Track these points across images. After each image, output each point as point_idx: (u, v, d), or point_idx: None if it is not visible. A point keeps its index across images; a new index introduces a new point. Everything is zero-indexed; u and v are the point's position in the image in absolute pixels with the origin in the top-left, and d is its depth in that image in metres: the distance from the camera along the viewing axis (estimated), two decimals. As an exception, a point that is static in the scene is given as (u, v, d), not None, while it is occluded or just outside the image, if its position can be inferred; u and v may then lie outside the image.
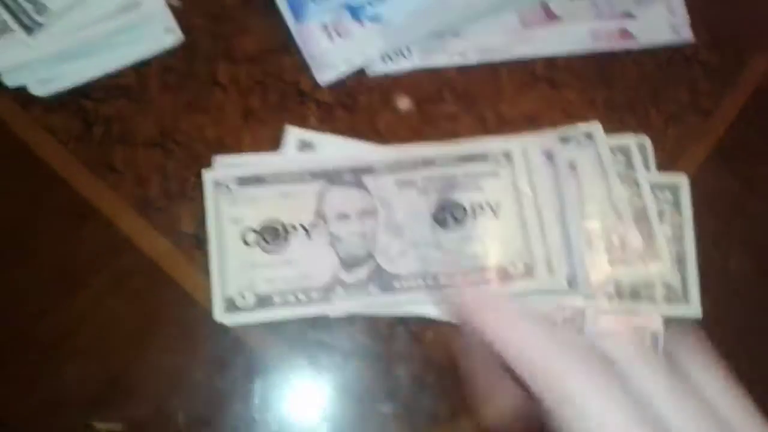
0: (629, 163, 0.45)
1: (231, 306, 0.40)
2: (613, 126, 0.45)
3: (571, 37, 0.48)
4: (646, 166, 0.45)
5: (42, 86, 0.42)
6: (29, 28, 0.40)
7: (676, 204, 0.44)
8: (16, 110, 0.41)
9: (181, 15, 0.44)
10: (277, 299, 0.40)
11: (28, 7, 0.40)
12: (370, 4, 0.43)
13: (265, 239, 0.41)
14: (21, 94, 0.41)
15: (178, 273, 0.40)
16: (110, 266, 0.40)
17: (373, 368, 0.40)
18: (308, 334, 0.40)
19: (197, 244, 0.41)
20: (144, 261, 0.40)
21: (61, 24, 0.41)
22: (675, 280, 0.43)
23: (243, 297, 0.40)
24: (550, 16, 0.48)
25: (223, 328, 0.39)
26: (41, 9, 0.40)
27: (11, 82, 0.41)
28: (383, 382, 0.40)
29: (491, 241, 0.42)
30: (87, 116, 0.42)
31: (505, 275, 0.41)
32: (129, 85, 0.43)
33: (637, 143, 0.45)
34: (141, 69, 0.43)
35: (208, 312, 0.39)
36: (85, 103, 0.42)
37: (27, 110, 0.41)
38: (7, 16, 0.40)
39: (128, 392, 0.38)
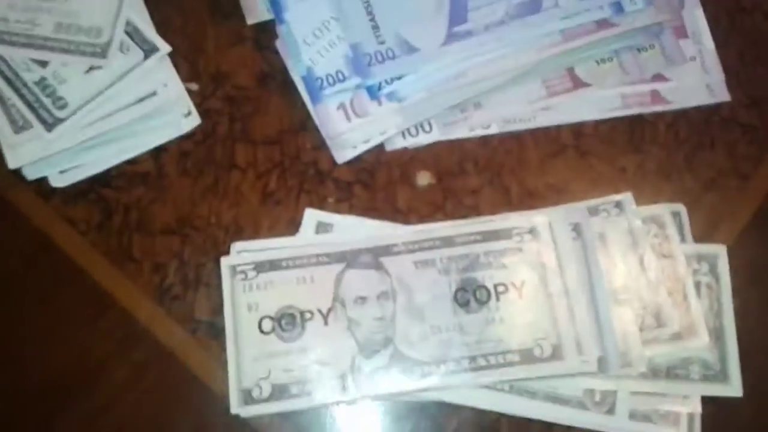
0: (663, 234, 0.44)
1: (248, 398, 0.40)
2: (645, 195, 0.45)
3: (599, 102, 0.48)
4: (682, 237, 0.44)
5: (61, 177, 0.44)
6: (49, 123, 0.42)
7: (714, 276, 0.43)
8: (36, 202, 0.44)
9: (198, 98, 0.46)
10: (294, 389, 0.40)
11: (48, 102, 0.43)
12: (386, 82, 0.44)
13: (281, 327, 0.41)
14: (41, 186, 0.44)
15: (195, 363, 0.41)
16: (128, 358, 0.41)
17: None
18: (327, 423, 0.41)
19: (213, 333, 0.42)
20: (161, 351, 0.42)
21: (80, 117, 0.43)
22: (713, 358, 0.41)
23: (260, 388, 0.40)
24: (577, 82, 0.47)
25: (239, 420, 0.40)
26: (61, 103, 0.43)
27: (31, 174, 0.44)
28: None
29: (516, 323, 0.41)
30: (106, 205, 0.44)
31: (531, 358, 0.40)
32: (147, 171, 0.45)
33: (671, 212, 0.44)
34: (159, 155, 0.45)
35: (225, 402, 0.40)
36: (104, 192, 0.44)
37: (47, 201, 0.44)
38: (27, 112, 0.42)
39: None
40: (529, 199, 0.46)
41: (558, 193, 0.46)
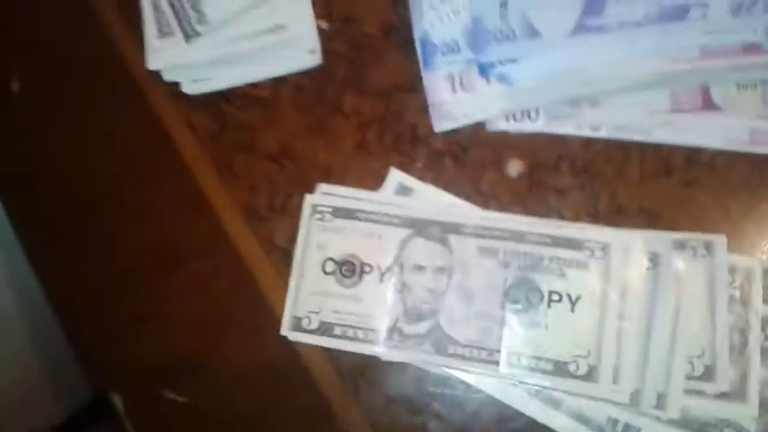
0: (746, 289, 0.40)
1: (297, 325, 0.44)
2: (741, 244, 0.42)
3: (725, 131, 0.43)
4: (766, 298, 0.40)
5: (193, 86, 0.48)
6: (189, 35, 0.46)
7: (787, 350, 0.39)
8: (167, 101, 0.49)
9: (325, 38, 0.47)
10: (338, 330, 0.43)
11: (193, 16, 0.46)
12: (500, 62, 0.43)
13: (341, 272, 0.44)
14: (174, 89, 0.48)
15: (264, 280, 0.45)
16: (209, 258, 0.46)
17: (409, 418, 0.43)
18: (359, 369, 0.44)
19: (286, 258, 0.45)
20: (238, 262, 0.46)
21: (216, 35, 0.47)
22: (755, 430, 0.39)
23: (309, 319, 0.44)
24: (708, 103, 0.43)
25: (286, 342, 0.44)
26: (202, 19, 0.46)
27: (168, 77, 0.48)
28: (410, 427, 0.43)
29: (560, 333, 0.41)
30: (224, 119, 0.48)
31: (564, 372, 0.40)
32: (264, 97, 0.48)
33: (764, 269, 0.41)
34: (278, 84, 0.48)
35: (278, 323, 0.44)
36: (224, 107, 0.48)
37: (176, 104, 0.49)
38: (173, 22, 0.46)
39: (196, 373, 0.45)
40: (616, 215, 0.44)
41: (649, 216, 0.43)
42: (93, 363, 0.47)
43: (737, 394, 0.40)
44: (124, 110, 0.50)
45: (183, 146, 0.48)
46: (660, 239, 0.42)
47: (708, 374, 0.40)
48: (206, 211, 0.47)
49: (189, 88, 0.49)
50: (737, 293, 0.41)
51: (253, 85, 0.48)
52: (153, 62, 0.47)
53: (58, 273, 0.49)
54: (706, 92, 0.44)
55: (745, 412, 0.40)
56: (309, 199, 0.46)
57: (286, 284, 0.45)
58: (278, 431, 0.43)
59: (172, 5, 0.47)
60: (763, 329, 0.41)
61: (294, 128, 0.48)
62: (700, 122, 0.44)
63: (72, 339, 0.47)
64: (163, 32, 0.47)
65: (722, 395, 0.40)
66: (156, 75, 0.49)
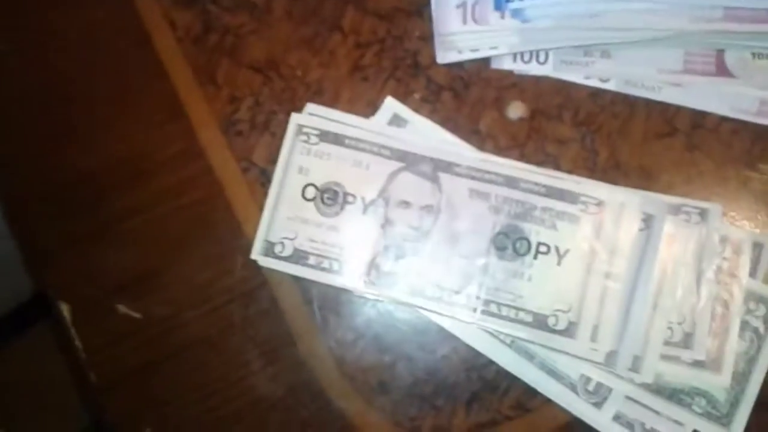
0: (735, 260, 0.40)
1: (269, 250, 0.41)
2: (737, 215, 0.41)
3: (735, 99, 0.42)
4: (753, 272, 0.40)
5: (177, -20, 0.44)
6: None
7: (767, 323, 0.39)
8: (149, -2, 0.44)
9: (329, -54, 0.44)
10: (312, 260, 0.41)
11: None
12: (517, -5, 0.40)
13: (323, 199, 0.41)
14: (157, -19, 0.44)
15: (237, 200, 0.42)
16: (179, 170, 0.42)
17: (378, 356, 0.41)
18: (330, 302, 0.41)
19: (262, 179, 0.42)
20: (211, 177, 0.43)
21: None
22: (725, 400, 0.39)
23: (282, 245, 0.41)
24: (721, 68, 0.42)
25: (255, 266, 0.41)
26: None
27: (151, -33, 0.43)
28: (383, 372, 0.41)
29: (543, 286, 0.40)
30: (209, 20, 0.44)
31: (543, 325, 0.39)
32: (255, 1, 0.43)
33: (754, 242, 0.40)
34: (270, -11, 0.44)
35: (249, 245, 0.41)
36: (210, 7, 0.44)
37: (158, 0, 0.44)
38: None
39: (154, 290, 0.42)
40: (614, 172, 0.42)
41: (647, 177, 0.42)
42: (44, 269, 0.43)
43: (712, 363, 0.40)
44: (103, 3, 0.45)
45: (161, 47, 0.44)
46: (656, 202, 0.41)
47: (686, 342, 0.40)
48: (181, 120, 0.43)
49: (173, -18, 0.45)
50: (725, 264, 0.40)
51: (245, -12, 0.45)
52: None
53: (16, 170, 0.44)
54: (720, 57, 0.42)
55: (718, 382, 0.39)
56: (295, 118, 0.43)
57: (260, 206, 0.42)
58: (236, 357, 0.41)
59: None
60: (745, 302, 0.40)
61: (286, 39, 0.44)
62: (711, 87, 0.43)
63: (23, 242, 0.44)
64: None
65: (697, 363, 0.39)
66: (137, -37, 0.44)
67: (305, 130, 0.42)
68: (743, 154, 0.42)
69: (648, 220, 0.40)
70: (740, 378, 0.40)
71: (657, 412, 0.39)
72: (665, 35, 0.41)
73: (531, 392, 0.40)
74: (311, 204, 0.42)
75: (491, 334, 0.41)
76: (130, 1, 0.44)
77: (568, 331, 0.40)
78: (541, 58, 0.43)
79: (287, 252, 0.42)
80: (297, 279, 0.42)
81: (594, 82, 0.43)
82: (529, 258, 0.41)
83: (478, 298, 0.40)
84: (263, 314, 0.42)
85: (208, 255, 0.42)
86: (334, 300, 0.42)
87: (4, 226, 0.44)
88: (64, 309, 0.42)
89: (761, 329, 0.40)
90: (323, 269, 0.41)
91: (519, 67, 0.43)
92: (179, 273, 0.42)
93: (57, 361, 0.69)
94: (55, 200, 0.43)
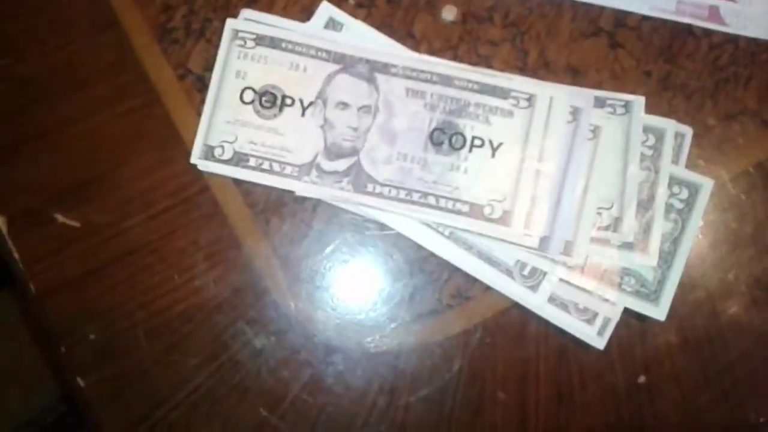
0: (658, 149, 0.41)
1: (209, 153, 0.41)
2: (658, 106, 0.42)
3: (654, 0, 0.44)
4: (676, 158, 0.41)
5: None
6: None
7: (690, 204, 0.41)
8: None
9: None
10: (252, 161, 0.41)
11: None
12: None
13: (261, 102, 0.41)
14: None
15: (174, 107, 0.42)
16: (115, 78, 0.41)
17: (319, 257, 0.41)
18: (272, 204, 0.41)
19: (199, 85, 0.42)
20: (147, 85, 0.42)
21: None
22: (653, 278, 0.40)
23: (222, 148, 0.41)
24: (640, -31, 0.43)
25: (196, 171, 0.41)
26: None
27: None
28: (324, 274, 0.41)
29: (478, 178, 0.40)
30: (139, -70, 0.43)
31: (478, 214, 0.40)
32: None
33: (676, 131, 0.42)
34: None
35: (188, 151, 0.41)
36: None
37: None
38: None
39: (93, 198, 0.41)
40: (544, 71, 0.43)
41: (574, 74, 0.43)
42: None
43: (640, 245, 0.41)
44: None
45: (91, -45, 0.43)
46: (583, 95, 0.42)
47: (615, 225, 0.41)
48: (115, 28, 0.42)
49: None
50: (649, 152, 0.42)
51: None
52: None
53: None
54: (639, -42, 0.44)
55: (646, 262, 0.41)
56: (230, 24, 0.42)
57: (197, 113, 0.41)
58: (180, 261, 0.40)
59: None
60: (669, 187, 0.42)
61: (218, -51, 0.44)
62: (631, -13, 0.45)
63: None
64: None
65: (626, 245, 0.41)
66: None
67: (241, 34, 0.42)
68: (663, 50, 0.43)
69: (576, 113, 0.42)
70: (666, 257, 0.41)
71: (589, 292, 0.41)
72: (587, -63, 0.43)
73: (470, 281, 0.41)
74: (250, 107, 0.42)
75: (430, 227, 0.41)
76: None
77: (503, 220, 0.41)
78: (471, -37, 0.44)
79: (227, 155, 0.41)
80: (239, 182, 0.41)
81: (522, -13, 0.45)
82: (464, 152, 0.41)
83: (417, 191, 0.41)
84: (206, 218, 0.41)
85: (148, 162, 0.41)
86: (277, 201, 0.41)
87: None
88: (0, 221, 0.41)
89: (685, 211, 0.42)
90: (264, 171, 0.41)
91: (450, -27, 0.44)
92: (118, 180, 0.41)
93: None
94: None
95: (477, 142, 0.41)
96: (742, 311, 0.42)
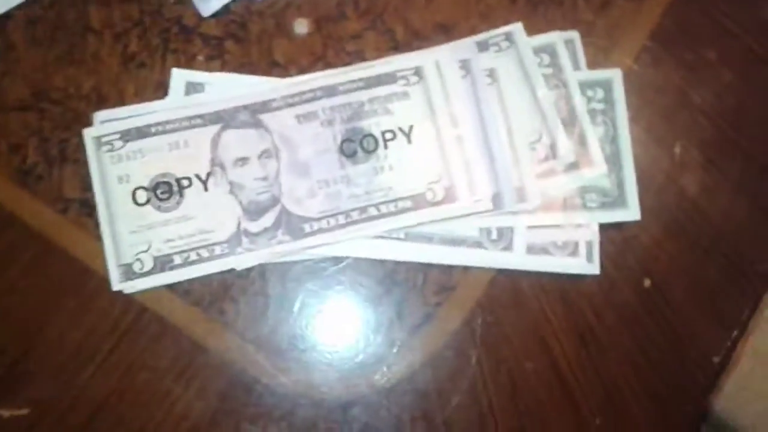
0: (556, 64, 0.40)
1: (129, 273, 0.36)
2: (536, 25, 0.41)
3: (483, -72, 0.42)
4: (575, 65, 0.40)
5: None
6: None
7: (609, 101, 0.40)
8: None
9: (39, -43, 0.39)
10: (177, 259, 0.37)
11: None
12: None
13: (157, 196, 0.37)
14: None
15: (69, 243, 0.37)
16: (-6, 245, 0.37)
17: (291, 319, 0.37)
18: (217, 292, 0.37)
19: (86, 210, 0.37)
20: (31, 234, 0.37)
21: None
22: (611, 184, 0.39)
23: (141, 261, 0.36)
24: None
25: (124, 296, 0.36)
26: None
27: None
28: (304, 333, 0.37)
29: (406, 169, 0.38)
30: (-51, 84, 0.38)
31: (423, 203, 0.37)
32: (-9, 44, 0.39)
33: (563, 40, 0.40)
34: (4, 24, 0.39)
35: (106, 281, 0.36)
36: (-57, 71, 0.38)
37: None
38: None
39: (31, 374, 0.36)
40: (416, 41, 0.41)
41: (446, 32, 0.41)
42: None
43: (583, 159, 0.39)
44: None
45: None
46: (464, 46, 0.40)
47: (552, 152, 0.39)
48: (-31, 195, 0.38)
49: None
50: (549, 70, 0.40)
51: (-28, 34, 0.39)
52: None
53: None
54: None
55: (596, 172, 0.39)
56: (88, 133, 0.37)
57: (96, 237, 0.37)
58: (153, 393, 0.36)
59: None
60: (583, 93, 0.40)
61: (41, 66, 0.38)
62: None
63: None
64: None
65: (571, 166, 0.39)
66: None
67: (105, 139, 0.37)
68: (515, -29, 0.43)
69: (466, 66, 0.40)
70: (613, 159, 0.39)
71: (561, 226, 0.39)
72: None
73: (446, 271, 0.38)
74: (148, 207, 0.37)
75: (383, 237, 0.38)
76: None
77: (449, 197, 0.38)
78: (299, -30, 0.42)
79: (148, 266, 0.37)
80: (172, 287, 0.37)
81: (358, -29, 0.42)
82: (381, 150, 0.38)
83: (354, 209, 0.37)
84: (157, 338, 0.37)
85: (69, 311, 0.36)
86: (221, 286, 0.37)
87: None
88: (-60, 448, 0.35)
89: (608, 109, 0.40)
90: (193, 262, 0.37)
91: (283, -12, 0.41)
92: (48, 345, 0.36)
93: None
94: None
95: (388, 135, 0.38)
96: (704, 174, 0.41)
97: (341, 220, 0.38)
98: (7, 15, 0.39)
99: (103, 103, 0.38)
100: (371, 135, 0.38)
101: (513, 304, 0.39)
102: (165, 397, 0.36)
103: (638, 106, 0.41)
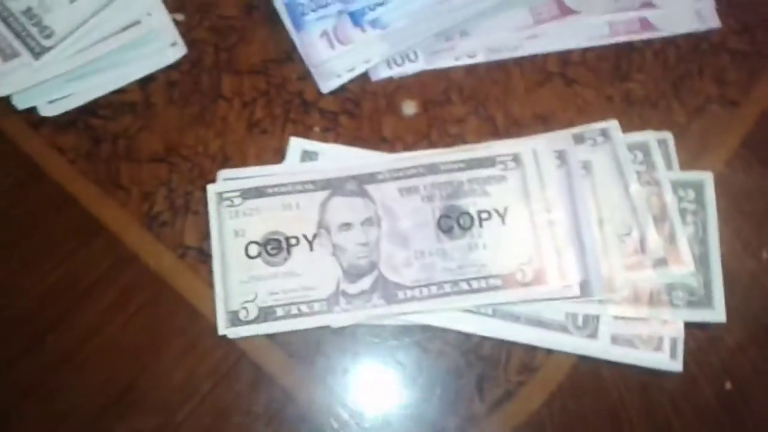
0: (649, 162, 0.42)
1: (234, 319, 0.39)
2: (631, 123, 0.43)
3: (586, 30, 0.45)
4: (668, 164, 0.42)
5: (51, 107, 0.42)
6: (36, 52, 0.40)
7: (700, 203, 0.41)
8: (26, 131, 0.42)
9: (184, 29, 0.44)
10: (279, 311, 0.39)
11: (34, 31, 0.41)
12: (370, 8, 0.42)
13: (267, 251, 0.40)
14: (31, 116, 0.42)
15: (184, 287, 0.40)
16: (117, 281, 0.40)
17: (378, 378, 0.39)
18: (312, 345, 0.40)
19: (202, 257, 0.40)
20: (150, 276, 0.40)
21: (66, 46, 0.41)
22: (697, 283, 0.40)
23: (246, 310, 0.39)
24: (564, 9, 0.45)
25: (227, 341, 0.39)
26: (47, 32, 0.41)
27: (21, 104, 0.42)
28: (389, 393, 0.39)
29: (499, 248, 0.40)
30: (95, 134, 0.43)
31: (513, 282, 0.39)
32: (134, 101, 0.43)
33: (657, 140, 0.42)
34: (146, 84, 0.43)
35: (213, 325, 0.39)
36: (92, 122, 0.43)
37: (37, 131, 0.42)
38: (14, 41, 0.41)
39: (136, 405, 0.38)
40: (515, 128, 0.43)
41: (544, 122, 0.43)
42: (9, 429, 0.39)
43: (672, 256, 0.40)
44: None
45: (55, 174, 0.42)
46: (561, 137, 0.42)
47: (641, 246, 0.40)
48: (101, 234, 0.41)
49: (47, 110, 0.42)
50: (642, 167, 0.42)
51: (120, 92, 0.43)
52: (1, 88, 0.41)
53: None
54: (560, 1, 0.46)
55: (684, 270, 0.40)
56: (212, 188, 0.41)
57: (208, 284, 0.40)
58: (244, 438, 0.39)
59: (9, 26, 0.41)
60: (675, 193, 0.42)
61: (175, 124, 0.43)
62: (562, 28, 0.45)
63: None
64: (7, 54, 0.41)
65: (659, 262, 0.40)
66: (7, 106, 0.42)
67: (226, 195, 0.41)
68: (614, 69, 0.44)
69: (561, 156, 0.42)
70: (701, 259, 0.40)
71: (646, 320, 0.40)
72: (504, 1, 0.44)
73: (530, 351, 0.40)
74: (258, 260, 0.40)
75: (472, 311, 0.40)
76: (9, 142, 0.42)
77: (538, 279, 0.40)
78: (412, 57, 0.44)
79: (252, 315, 0.40)
80: (272, 337, 0.40)
81: (465, 61, 0.45)
82: (476, 228, 0.41)
83: (446, 282, 0.40)
84: (252, 384, 0.39)
85: (176, 349, 0.39)
86: (316, 342, 0.40)
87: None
88: (48, 466, 0.38)
89: (698, 209, 0.41)
90: (293, 316, 0.39)
91: (396, 71, 0.44)
92: (154, 379, 0.39)
93: None
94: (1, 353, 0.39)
95: (484, 215, 0.41)
96: (792, 283, 0.42)
97: (434, 290, 0.40)
98: (151, 77, 0.44)
99: (227, 162, 0.42)
100: (468, 213, 0.41)
101: (593, 391, 0.39)
102: (253, 442, 0.39)
103: (728, 209, 0.42)
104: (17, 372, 0.39)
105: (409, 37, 0.43)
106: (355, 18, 0.42)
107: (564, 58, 0.44)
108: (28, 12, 0.42)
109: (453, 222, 0.41)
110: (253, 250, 0.40)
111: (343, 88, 0.44)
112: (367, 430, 0.39)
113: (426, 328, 0.40)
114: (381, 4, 0.42)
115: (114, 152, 0.42)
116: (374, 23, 0.43)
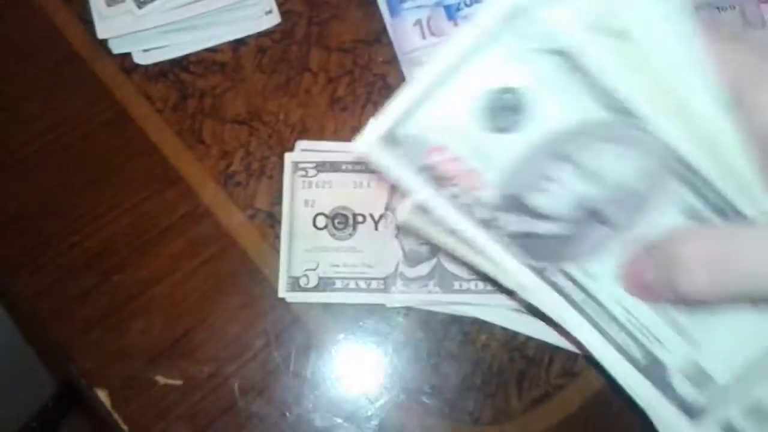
0: None
1: (295, 285, 0.40)
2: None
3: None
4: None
5: (145, 55, 0.44)
6: (140, 0, 0.42)
7: None
8: (119, 75, 0.44)
9: (281, -1, 0.45)
10: (338, 284, 0.40)
11: (143, -20, 0.42)
12: (466, 4, 0.43)
13: (334, 225, 0.41)
14: (125, 61, 0.44)
15: (249, 247, 0.42)
16: (187, 232, 0.41)
17: (422, 362, 0.40)
18: (364, 321, 0.41)
19: (271, 221, 0.42)
20: (220, 231, 0.42)
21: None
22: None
23: (307, 278, 0.40)
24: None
25: (284, 304, 0.41)
26: (153, -17, 0.42)
27: (117, 48, 0.44)
28: (430, 376, 0.40)
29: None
30: (183, 88, 0.44)
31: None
32: (225, 61, 0.44)
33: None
34: (238, 47, 0.45)
35: (273, 287, 0.41)
36: (183, 75, 0.44)
37: (129, 77, 0.44)
38: (122, -13, 0.42)
39: (189, 353, 0.40)
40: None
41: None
42: (70, 360, 0.40)
43: None
44: (74, 91, 0.43)
45: (142, 120, 0.43)
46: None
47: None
48: (178, 184, 0.42)
49: (141, 58, 0.44)
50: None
51: (212, 50, 0.44)
52: (102, 31, 0.42)
53: (20, 269, 0.41)
54: None
55: None
56: (289, 157, 0.42)
57: (274, 248, 0.41)
58: (287, 398, 0.39)
59: (118, -29, 0.43)
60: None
61: (261, 90, 0.44)
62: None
63: (40, 341, 0.41)
64: (112, -1, 0.43)
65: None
66: (103, 49, 0.44)
67: (301, 165, 0.42)
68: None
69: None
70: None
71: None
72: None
73: (572, 357, 0.41)
74: (324, 232, 0.42)
75: (522, 311, 0.41)
76: (101, 84, 0.44)
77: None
78: (497, 57, 0.46)
79: (312, 283, 0.41)
80: (326, 306, 0.41)
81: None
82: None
83: (502, 280, 0.41)
84: (303, 349, 0.41)
85: (235, 305, 0.41)
86: (368, 318, 0.41)
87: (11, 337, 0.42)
88: (101, 395, 0.39)
89: None
90: (351, 290, 0.41)
91: (479, 69, 0.46)
92: (210, 330, 0.40)
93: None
94: (69, 290, 0.40)
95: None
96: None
97: (488, 286, 0.41)
98: (243, 41, 0.45)
99: (305, 133, 0.43)
100: (532, 217, 0.42)
101: (631, 402, 0.40)
102: (296, 404, 0.39)
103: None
104: (81, 307, 0.40)
105: (498, 37, 0.44)
106: (450, 12, 0.43)
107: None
108: (135, -39, 0.44)
109: (516, 223, 0.42)
110: (321, 221, 0.42)
111: (426, 78, 0.45)
112: (405, 409, 0.40)
113: (475, 321, 0.41)
114: (477, 1, 0.43)
115: (199, 108, 0.44)
116: (467, 19, 0.43)
